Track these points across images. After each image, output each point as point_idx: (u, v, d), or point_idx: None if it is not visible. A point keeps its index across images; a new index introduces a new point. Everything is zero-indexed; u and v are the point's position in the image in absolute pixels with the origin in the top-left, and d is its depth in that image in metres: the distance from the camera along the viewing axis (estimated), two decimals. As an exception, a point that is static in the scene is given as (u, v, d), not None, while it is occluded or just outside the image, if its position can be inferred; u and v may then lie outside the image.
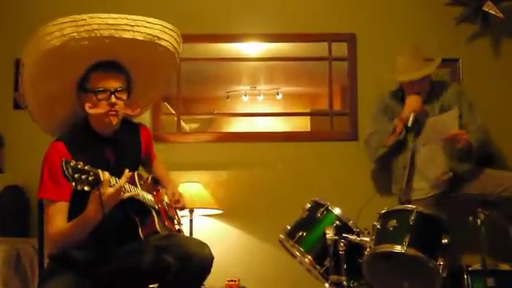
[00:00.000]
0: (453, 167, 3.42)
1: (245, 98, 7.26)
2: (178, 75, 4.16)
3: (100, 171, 2.05)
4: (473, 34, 4.10)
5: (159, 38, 2.31)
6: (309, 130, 6.08)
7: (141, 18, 2.26)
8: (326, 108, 4.32)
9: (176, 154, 3.98)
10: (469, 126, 3.41)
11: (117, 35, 2.19)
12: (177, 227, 2.58)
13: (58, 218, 2.19)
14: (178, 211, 2.66)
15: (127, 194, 2.18)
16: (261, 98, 7.32)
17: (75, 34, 2.13)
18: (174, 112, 4.49)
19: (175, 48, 2.41)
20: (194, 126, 5.87)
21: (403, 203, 3.46)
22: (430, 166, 3.47)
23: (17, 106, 4.04)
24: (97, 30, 2.15)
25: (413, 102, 3.41)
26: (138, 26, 2.24)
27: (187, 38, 4.09)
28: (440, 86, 3.62)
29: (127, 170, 2.16)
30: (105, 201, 2.05)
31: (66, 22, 2.14)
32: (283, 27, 4.21)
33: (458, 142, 3.31)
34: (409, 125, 3.36)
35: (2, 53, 4.06)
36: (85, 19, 2.15)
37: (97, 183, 2.02)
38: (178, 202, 2.61)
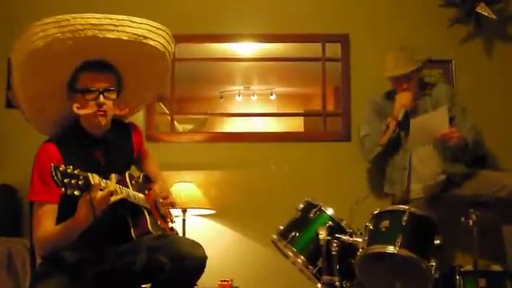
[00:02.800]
0: (446, 169, 3.45)
1: (238, 99, 7.25)
2: (171, 75, 4.16)
3: (90, 174, 2.02)
4: (466, 36, 4.12)
5: (146, 37, 2.26)
6: (302, 130, 6.09)
7: (125, 17, 2.21)
8: (320, 108, 4.33)
9: (169, 153, 3.97)
10: (461, 128, 3.41)
11: (101, 35, 2.15)
12: (170, 225, 2.57)
13: (46, 221, 2.17)
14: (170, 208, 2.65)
15: (118, 197, 2.14)
16: (254, 98, 7.32)
17: (59, 34, 2.10)
18: (167, 112, 4.48)
19: (165, 48, 2.37)
20: (188, 126, 5.85)
21: (396, 203, 3.48)
22: (423, 167, 3.49)
23: (9, 104, 4.02)
24: (81, 30, 2.12)
25: (403, 98, 3.44)
26: (123, 25, 2.20)
27: (181, 39, 4.14)
28: (432, 85, 3.64)
29: (113, 175, 2.12)
30: (95, 205, 2.03)
31: (49, 23, 2.11)
32: (277, 28, 4.21)
33: (450, 140, 3.31)
34: (399, 119, 3.38)
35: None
36: (68, 19, 2.11)
37: (87, 187, 1.99)
38: (166, 198, 2.56)
